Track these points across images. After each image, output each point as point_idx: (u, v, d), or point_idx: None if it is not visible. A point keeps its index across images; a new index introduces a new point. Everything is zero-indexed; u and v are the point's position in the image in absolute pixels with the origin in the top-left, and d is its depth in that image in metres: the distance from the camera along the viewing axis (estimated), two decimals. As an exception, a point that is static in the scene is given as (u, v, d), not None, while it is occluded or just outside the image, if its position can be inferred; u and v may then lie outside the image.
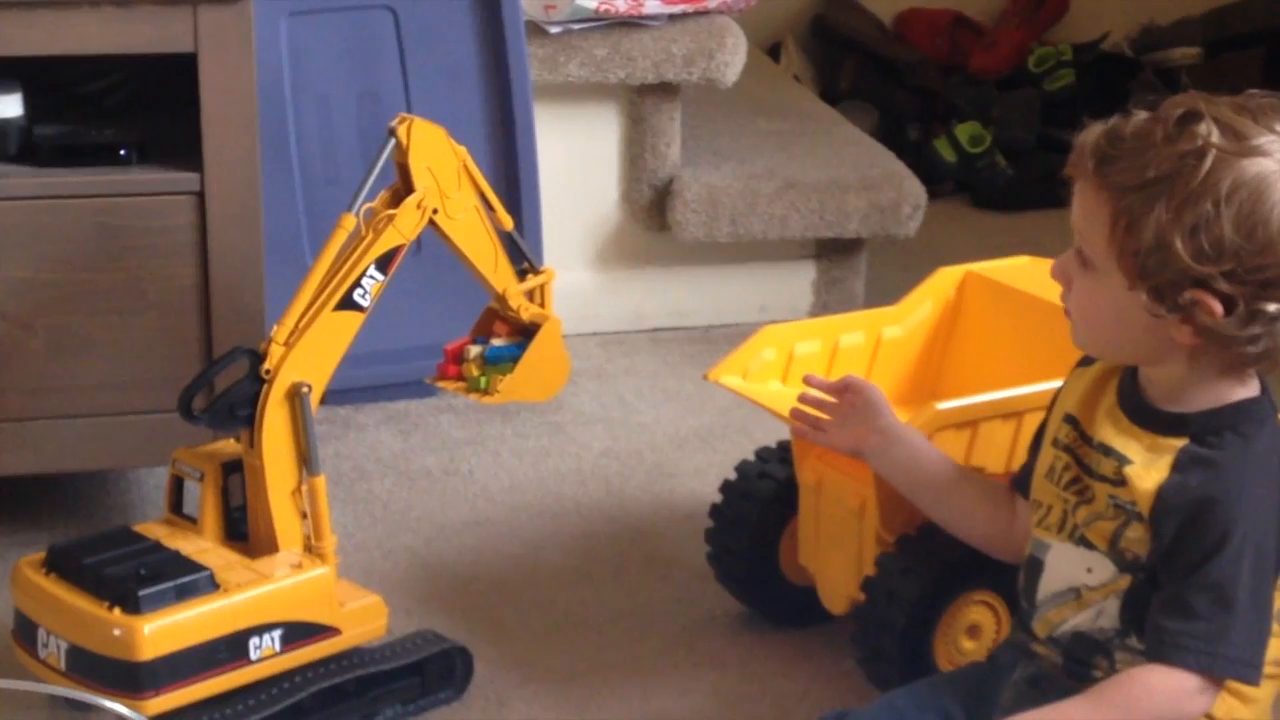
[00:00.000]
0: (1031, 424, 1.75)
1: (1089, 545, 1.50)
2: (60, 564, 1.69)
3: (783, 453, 1.94)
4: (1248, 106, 1.41)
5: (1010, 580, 1.61)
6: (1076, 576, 1.51)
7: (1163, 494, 1.44)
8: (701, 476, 2.26)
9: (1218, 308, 1.40)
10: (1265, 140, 1.39)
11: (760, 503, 1.90)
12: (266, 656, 1.69)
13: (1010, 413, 1.76)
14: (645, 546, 2.10)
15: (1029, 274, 2.02)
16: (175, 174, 1.92)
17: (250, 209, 1.93)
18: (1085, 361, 1.57)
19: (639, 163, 2.66)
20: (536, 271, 1.86)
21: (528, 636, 1.92)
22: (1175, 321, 1.41)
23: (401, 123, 1.75)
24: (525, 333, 1.85)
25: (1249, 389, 1.47)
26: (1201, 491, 1.43)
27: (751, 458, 1.96)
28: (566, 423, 2.39)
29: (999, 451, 1.77)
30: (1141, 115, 1.43)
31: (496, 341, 1.86)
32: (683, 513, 2.17)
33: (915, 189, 2.71)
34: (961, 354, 2.00)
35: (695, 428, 2.39)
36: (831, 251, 2.75)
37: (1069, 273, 1.48)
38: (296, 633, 1.70)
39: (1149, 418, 1.48)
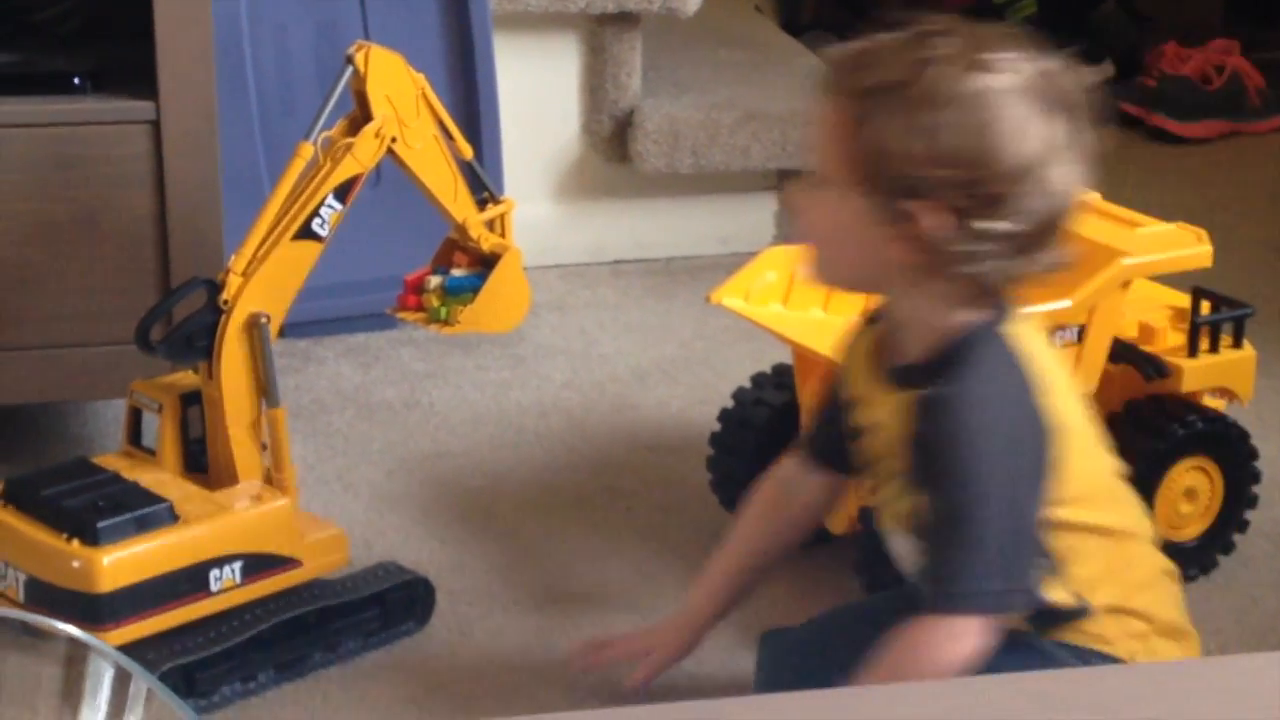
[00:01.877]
0: None
1: (903, 533, 1.49)
2: (18, 496, 1.68)
3: (778, 378, 1.96)
4: (992, 32, 1.41)
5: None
6: (913, 564, 1.50)
7: (908, 452, 1.43)
8: (663, 408, 2.25)
9: (932, 220, 1.36)
10: (997, 58, 1.37)
11: (757, 429, 1.91)
12: (227, 588, 1.68)
13: None
14: (606, 478, 2.10)
15: None
16: (130, 102, 1.90)
17: (207, 138, 1.91)
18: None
19: (599, 93, 2.64)
20: (496, 201, 1.85)
21: (489, 568, 1.91)
22: (895, 235, 1.38)
23: (359, 50, 1.73)
24: (485, 263, 1.84)
25: (980, 315, 1.42)
26: (935, 435, 1.39)
27: (748, 384, 1.97)
28: (527, 355, 2.38)
29: None
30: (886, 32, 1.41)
31: (457, 272, 1.85)
32: (645, 444, 2.17)
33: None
34: None
35: (656, 359, 2.39)
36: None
37: (799, 200, 1.46)
38: (257, 564, 1.69)
39: (895, 375, 1.46)
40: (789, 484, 1.64)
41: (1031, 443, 1.40)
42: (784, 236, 2.72)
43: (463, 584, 1.87)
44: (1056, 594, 1.46)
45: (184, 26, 1.88)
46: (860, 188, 1.38)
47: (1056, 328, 1.81)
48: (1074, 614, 1.47)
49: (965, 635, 1.40)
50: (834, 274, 1.48)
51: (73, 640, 0.59)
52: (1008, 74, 1.37)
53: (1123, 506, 1.52)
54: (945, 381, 1.40)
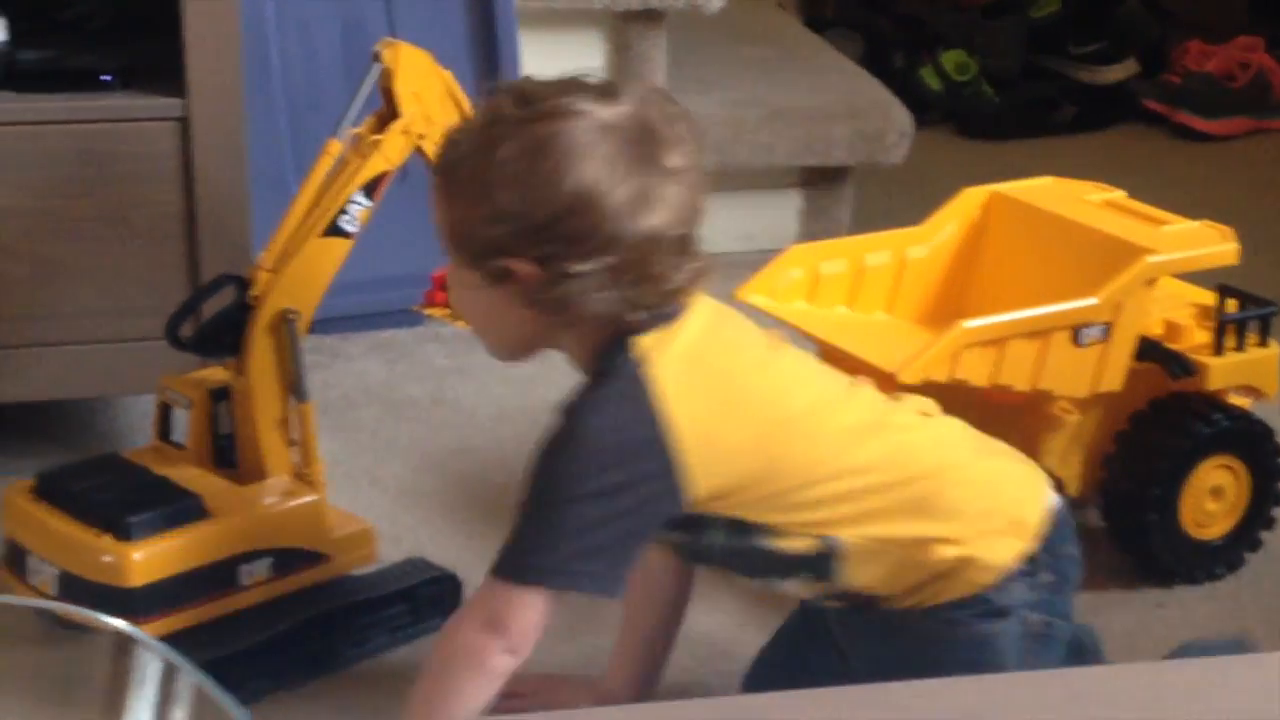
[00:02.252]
0: (1059, 343, 1.80)
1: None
2: (50, 490, 1.69)
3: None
4: (553, 80, 1.44)
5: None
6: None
7: None
8: (689, 404, 2.26)
9: (524, 271, 1.41)
10: (552, 103, 1.41)
11: None
12: (256, 583, 1.69)
13: (1036, 331, 1.79)
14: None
15: (1054, 194, 2.04)
16: (159, 99, 1.91)
17: (235, 134, 1.92)
18: None
19: (624, 90, 2.64)
20: (524, 198, 1.85)
21: (516, 563, 1.91)
22: (508, 295, 1.43)
23: (387, 47, 1.74)
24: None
25: (615, 343, 1.45)
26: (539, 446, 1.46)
27: None
28: (553, 352, 2.38)
29: (1025, 370, 1.80)
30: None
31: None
32: None
33: (901, 116, 2.70)
34: (986, 274, 2.02)
35: (682, 356, 2.39)
36: (817, 180, 2.74)
37: (450, 287, 1.51)
38: (286, 560, 1.70)
39: None
40: (652, 562, 1.63)
41: (631, 452, 1.42)
42: (808, 234, 2.73)
43: (490, 579, 1.88)
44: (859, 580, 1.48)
45: (212, 23, 1.89)
46: (463, 259, 1.44)
47: (1082, 325, 1.81)
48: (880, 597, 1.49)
49: (479, 635, 1.45)
50: (498, 349, 1.53)
51: (120, 634, 0.60)
52: (558, 120, 1.40)
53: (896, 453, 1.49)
54: (573, 396, 1.46)
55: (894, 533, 1.46)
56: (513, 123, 1.40)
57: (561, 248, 1.39)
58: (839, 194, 2.75)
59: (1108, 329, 1.83)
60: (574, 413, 1.44)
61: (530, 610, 1.44)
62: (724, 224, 2.73)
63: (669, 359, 1.43)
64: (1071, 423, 1.88)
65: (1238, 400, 1.94)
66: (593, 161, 1.38)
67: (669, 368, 1.43)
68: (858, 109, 2.69)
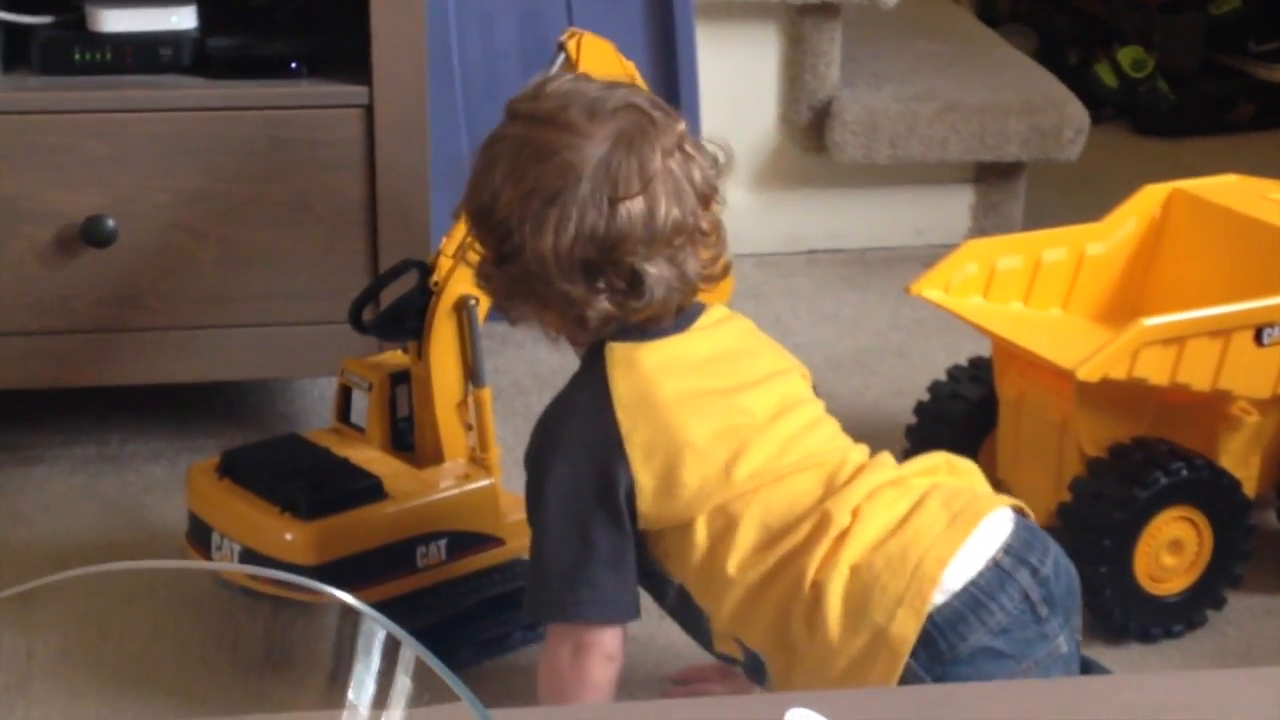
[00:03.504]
0: (1240, 342, 1.76)
1: None
2: (233, 469, 1.72)
3: (974, 370, 1.95)
4: (563, 91, 1.49)
5: (1216, 499, 1.67)
6: None
7: None
8: (859, 398, 2.25)
9: (482, 263, 1.50)
10: (525, 108, 1.48)
11: (954, 423, 1.92)
12: (432, 565, 1.71)
13: (1218, 330, 1.77)
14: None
15: (1237, 192, 2.01)
16: (344, 87, 1.94)
17: (417, 123, 1.94)
18: None
19: (798, 83, 2.64)
20: (702, 188, 1.86)
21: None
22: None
23: (571, 37, 1.75)
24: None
25: (587, 341, 1.51)
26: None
27: (944, 377, 1.97)
28: (723, 342, 2.39)
29: (1205, 369, 1.77)
30: None
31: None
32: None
33: (1077, 112, 2.67)
34: (1166, 271, 2.00)
35: (852, 349, 2.39)
36: (990, 175, 2.72)
37: None
38: (462, 542, 1.72)
39: None
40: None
41: (590, 453, 1.46)
42: (980, 229, 2.71)
43: (659, 568, 1.89)
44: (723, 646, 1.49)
45: (398, 13, 1.91)
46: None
47: (1266, 325, 1.78)
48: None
49: (560, 648, 1.48)
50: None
51: (345, 607, 0.61)
52: (518, 123, 1.47)
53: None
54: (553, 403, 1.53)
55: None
56: (502, 126, 1.51)
57: (485, 248, 1.50)
58: (1012, 190, 2.73)
59: None
60: (545, 416, 1.51)
61: (563, 644, 1.49)
62: (895, 218, 2.73)
63: (627, 373, 1.47)
64: (1250, 424, 1.86)
65: None
66: (516, 173, 1.44)
67: (622, 380, 1.47)
68: (1033, 104, 2.66)
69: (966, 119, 2.63)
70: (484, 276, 1.50)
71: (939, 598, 1.40)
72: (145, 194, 1.92)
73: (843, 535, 1.42)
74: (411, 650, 0.58)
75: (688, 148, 1.47)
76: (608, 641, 1.48)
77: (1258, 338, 1.78)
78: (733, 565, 1.44)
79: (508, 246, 1.45)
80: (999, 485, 1.89)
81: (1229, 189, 2.03)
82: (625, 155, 1.42)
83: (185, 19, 1.97)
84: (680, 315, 1.50)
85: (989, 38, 3.01)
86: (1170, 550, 1.78)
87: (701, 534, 1.46)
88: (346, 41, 1.96)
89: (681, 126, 1.49)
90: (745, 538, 1.44)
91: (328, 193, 1.95)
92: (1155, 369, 1.74)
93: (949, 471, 1.51)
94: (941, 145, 2.64)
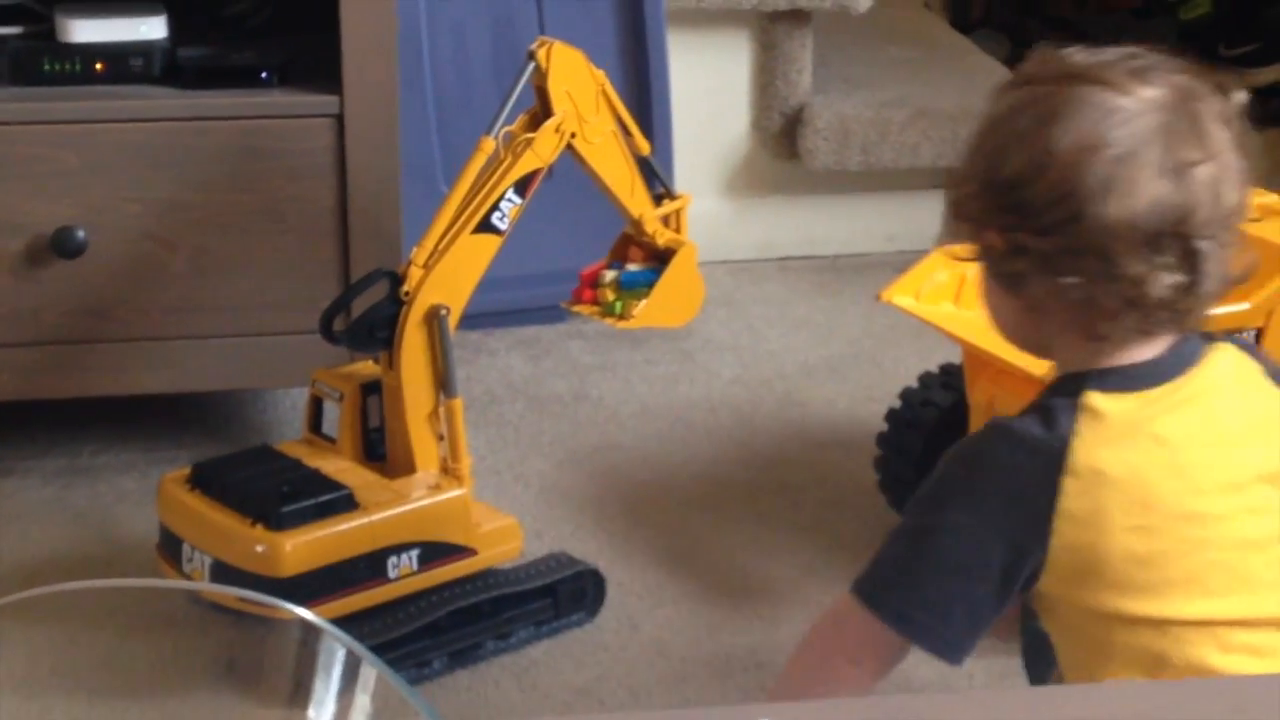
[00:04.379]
0: None
1: None
2: (204, 480, 1.72)
3: (946, 377, 1.96)
4: (1088, 52, 1.31)
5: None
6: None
7: None
8: (831, 405, 2.26)
9: (992, 240, 1.30)
10: (1063, 68, 1.29)
11: (926, 429, 1.92)
12: (404, 575, 1.71)
13: None
14: (773, 474, 2.10)
15: None
16: (315, 97, 1.94)
17: (388, 132, 1.94)
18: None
19: (770, 90, 2.65)
20: (672, 197, 1.87)
21: (658, 560, 1.93)
22: (988, 273, 1.32)
23: (541, 46, 1.75)
24: (660, 258, 1.86)
25: (1077, 363, 1.31)
26: None
27: (915, 384, 1.97)
28: (696, 350, 2.40)
29: None
30: None
31: (632, 267, 1.86)
32: (812, 441, 2.17)
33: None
34: None
35: (824, 356, 2.39)
36: (962, 181, 2.73)
37: None
38: (434, 552, 1.72)
39: None
40: None
41: (1017, 489, 1.28)
42: (950, 235, 2.71)
43: (631, 576, 1.89)
44: None
45: (368, 22, 1.91)
46: (964, 231, 1.34)
47: (1235, 330, 1.79)
48: None
49: (844, 619, 1.33)
50: (1001, 335, 1.40)
51: (306, 624, 0.61)
52: (1060, 85, 1.28)
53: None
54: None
55: None
56: (1005, 88, 1.32)
57: (1020, 218, 1.28)
58: (984, 196, 2.74)
59: (1259, 334, 1.80)
60: (990, 427, 1.33)
61: (870, 632, 1.32)
62: (867, 224, 2.73)
63: (1104, 430, 1.28)
64: None
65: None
66: (1074, 132, 1.25)
67: (1099, 437, 1.27)
68: (1004, 111, 2.67)
69: (938, 125, 2.64)
70: (1013, 251, 1.28)
71: None
72: (115, 204, 1.92)
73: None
74: (372, 668, 0.58)
75: (1237, 126, 1.30)
76: (894, 658, 1.33)
77: None
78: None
79: (1059, 213, 1.25)
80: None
81: None
82: (1187, 120, 1.26)
83: (155, 29, 1.97)
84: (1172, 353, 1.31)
85: (960, 44, 3.01)
86: None
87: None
88: (317, 51, 1.95)
89: (1239, 97, 1.30)
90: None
91: (299, 202, 1.95)
92: None
93: None
94: (913, 151, 2.64)
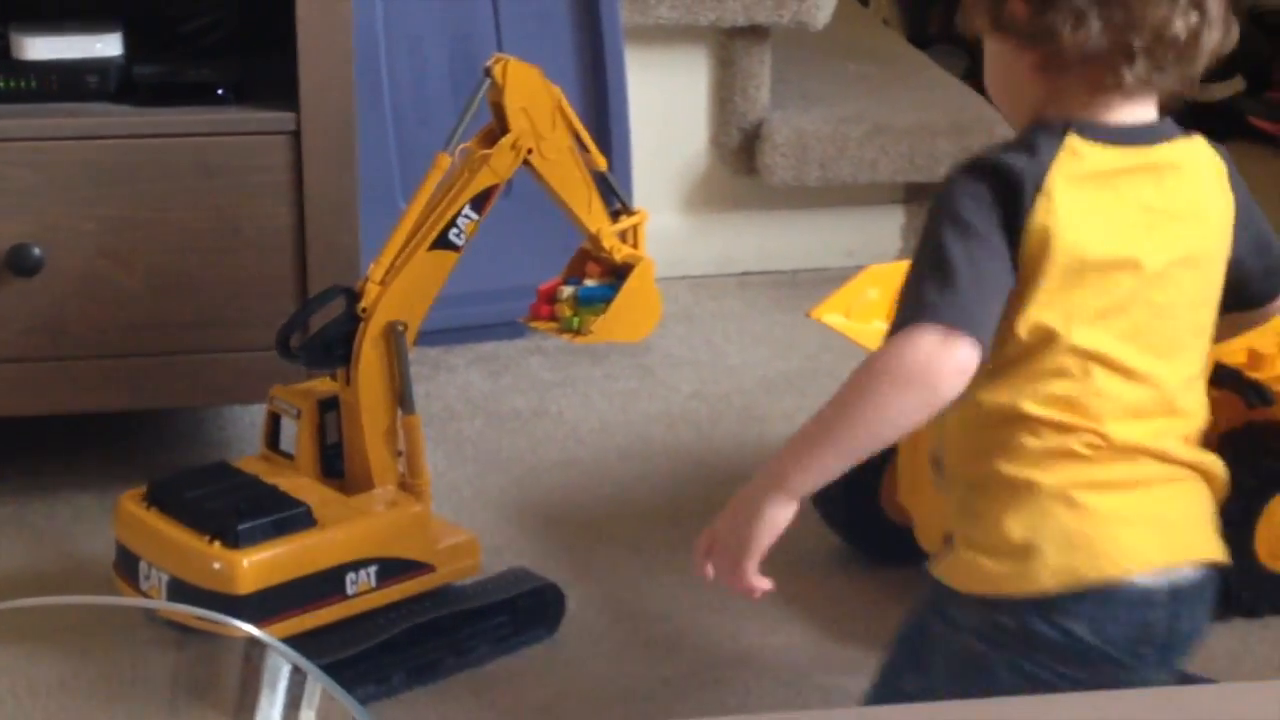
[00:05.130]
0: None
1: None
2: (161, 498, 1.71)
3: (879, 394, 1.95)
4: None
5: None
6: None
7: None
8: (790, 420, 2.26)
9: (1017, 6, 1.37)
10: None
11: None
12: (362, 592, 1.71)
13: None
14: (734, 489, 2.09)
15: None
16: (272, 113, 1.94)
17: (346, 148, 1.94)
18: None
19: (728, 106, 2.66)
20: (630, 212, 1.87)
21: (618, 576, 1.93)
22: (1010, 47, 1.39)
23: (497, 63, 1.76)
24: (618, 273, 1.86)
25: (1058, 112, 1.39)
26: None
27: None
28: (655, 365, 2.40)
29: None
30: None
31: (589, 282, 1.86)
32: (772, 456, 2.17)
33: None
34: None
35: (784, 371, 2.40)
36: (920, 196, 2.74)
37: None
38: (392, 569, 1.72)
39: None
40: None
41: (1000, 201, 1.35)
42: (911, 250, 2.72)
43: (591, 592, 1.89)
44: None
45: (325, 39, 1.91)
46: (980, 13, 1.42)
47: None
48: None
49: (911, 340, 1.34)
50: (1007, 116, 1.48)
51: (252, 640, 0.61)
52: None
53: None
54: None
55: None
56: None
57: None
58: (942, 211, 2.75)
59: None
60: (978, 159, 1.39)
61: (916, 347, 1.33)
62: (826, 240, 2.74)
63: (1077, 167, 1.36)
64: None
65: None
66: None
67: (1072, 172, 1.36)
68: (962, 125, 2.68)
69: (896, 140, 2.65)
70: (1039, 9, 1.36)
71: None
72: (71, 222, 1.91)
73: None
74: (317, 683, 0.58)
75: None
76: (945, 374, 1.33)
77: None
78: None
79: None
80: (900, 510, 1.89)
81: None
82: None
83: (111, 46, 1.96)
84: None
85: (918, 59, 3.03)
86: None
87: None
88: (274, 67, 1.95)
89: None
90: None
91: (255, 219, 1.95)
92: None
93: None
94: (871, 167, 2.65)
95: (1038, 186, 1.35)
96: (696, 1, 2.55)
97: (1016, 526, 1.37)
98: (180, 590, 1.67)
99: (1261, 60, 3.40)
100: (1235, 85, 3.38)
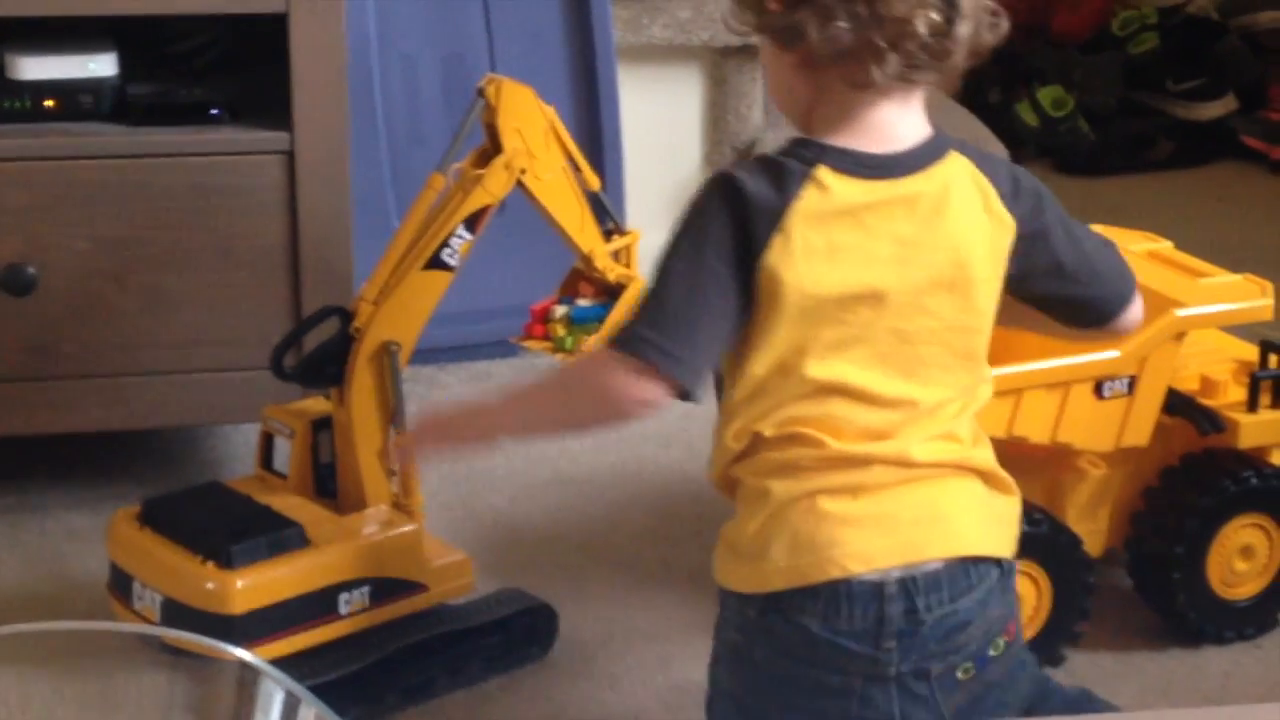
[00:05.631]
0: (1080, 395, 1.76)
1: None
2: (155, 517, 1.72)
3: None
4: None
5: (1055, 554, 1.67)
6: None
7: None
8: (783, 438, 2.26)
9: (773, 4, 1.39)
10: None
11: None
12: (355, 611, 1.71)
13: (1055, 383, 1.75)
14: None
15: None
16: (265, 133, 1.94)
17: (339, 168, 1.95)
18: None
19: (721, 125, 2.66)
20: (622, 232, 1.87)
21: (611, 595, 1.93)
22: (770, 44, 1.42)
23: (490, 83, 1.76)
24: (611, 293, 1.86)
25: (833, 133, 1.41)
26: None
27: None
28: (648, 384, 2.40)
29: (1043, 422, 1.76)
30: None
31: (582, 302, 1.87)
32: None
33: (998, 152, 2.70)
34: None
35: (776, 390, 2.40)
36: (913, 215, 2.74)
37: None
38: (385, 589, 1.72)
39: None
40: None
41: (741, 209, 1.39)
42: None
43: (584, 611, 1.89)
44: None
45: (318, 58, 1.92)
46: (744, 12, 1.44)
47: (1105, 378, 1.78)
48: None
49: (607, 365, 1.40)
50: (782, 113, 1.53)
51: (244, 664, 0.61)
52: None
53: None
54: None
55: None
56: None
57: None
58: (934, 229, 2.75)
59: (1132, 382, 1.79)
60: (723, 178, 1.42)
61: (610, 373, 1.40)
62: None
63: (823, 203, 1.38)
64: (1096, 477, 1.84)
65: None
66: None
67: (815, 209, 1.38)
68: (954, 145, 2.68)
69: (888, 159, 2.65)
70: (790, 5, 1.38)
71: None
72: (65, 242, 1.92)
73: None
74: (310, 707, 0.58)
75: None
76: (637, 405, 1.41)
77: (1098, 390, 1.77)
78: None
79: None
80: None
81: None
82: None
83: (105, 66, 1.97)
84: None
85: (911, 78, 3.03)
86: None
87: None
88: (268, 87, 1.96)
89: None
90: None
91: (249, 239, 1.95)
92: (991, 421, 1.65)
93: None
94: (864, 186, 2.65)
95: (777, 225, 1.37)
96: (689, 21, 2.56)
97: (753, 528, 1.43)
98: (173, 610, 1.67)
99: (1254, 79, 3.41)
100: (1228, 104, 3.39)
